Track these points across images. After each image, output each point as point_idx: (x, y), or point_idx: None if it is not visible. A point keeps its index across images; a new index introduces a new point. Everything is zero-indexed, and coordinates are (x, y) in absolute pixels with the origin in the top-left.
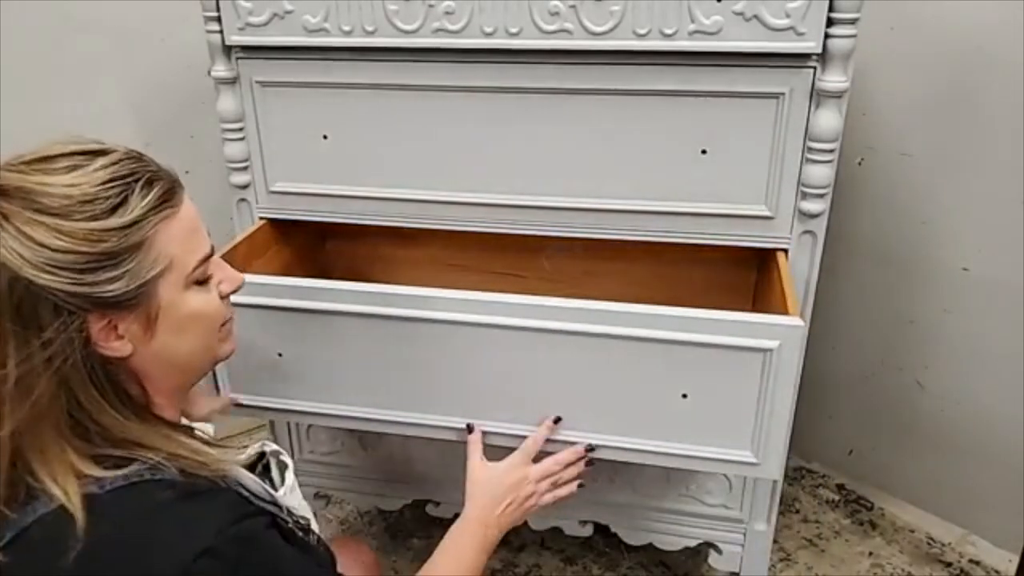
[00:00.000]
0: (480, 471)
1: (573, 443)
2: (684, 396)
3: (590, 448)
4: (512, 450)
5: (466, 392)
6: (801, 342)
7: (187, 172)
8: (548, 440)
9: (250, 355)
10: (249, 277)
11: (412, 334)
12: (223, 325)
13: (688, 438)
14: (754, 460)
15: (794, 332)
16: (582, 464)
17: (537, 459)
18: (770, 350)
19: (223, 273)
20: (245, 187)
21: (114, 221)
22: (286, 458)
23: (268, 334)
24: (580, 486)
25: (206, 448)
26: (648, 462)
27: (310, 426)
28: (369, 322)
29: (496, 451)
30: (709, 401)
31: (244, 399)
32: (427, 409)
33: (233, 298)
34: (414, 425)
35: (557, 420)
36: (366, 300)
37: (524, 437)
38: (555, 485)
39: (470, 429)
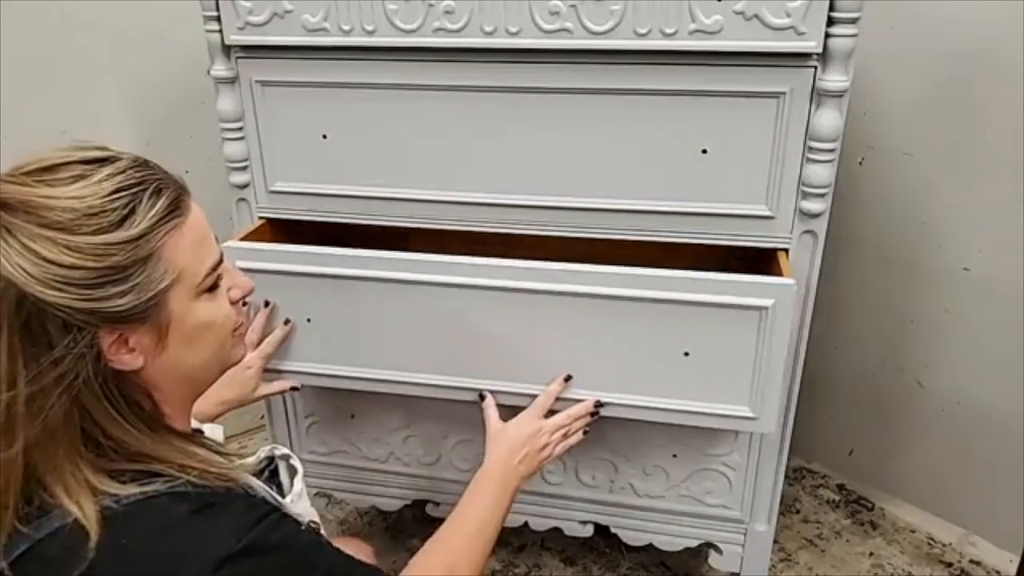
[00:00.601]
0: (499, 426)
1: (582, 400)
2: (686, 354)
3: (599, 404)
4: (525, 408)
5: (484, 353)
6: (793, 300)
7: (187, 172)
8: (559, 398)
9: (279, 321)
10: (279, 246)
11: (434, 299)
12: (234, 331)
13: (690, 395)
14: (751, 415)
15: (787, 290)
16: (589, 416)
17: (548, 416)
18: (765, 308)
19: (232, 279)
20: (244, 187)
21: (121, 234)
22: (296, 462)
23: (297, 300)
24: (584, 432)
25: (217, 457)
26: (652, 419)
27: (310, 426)
28: (394, 288)
29: (513, 411)
30: (709, 358)
31: (274, 364)
32: (449, 371)
33: (265, 265)
34: (438, 387)
35: (568, 378)
36: (392, 267)
37: (536, 396)
38: (565, 436)
39: (482, 397)
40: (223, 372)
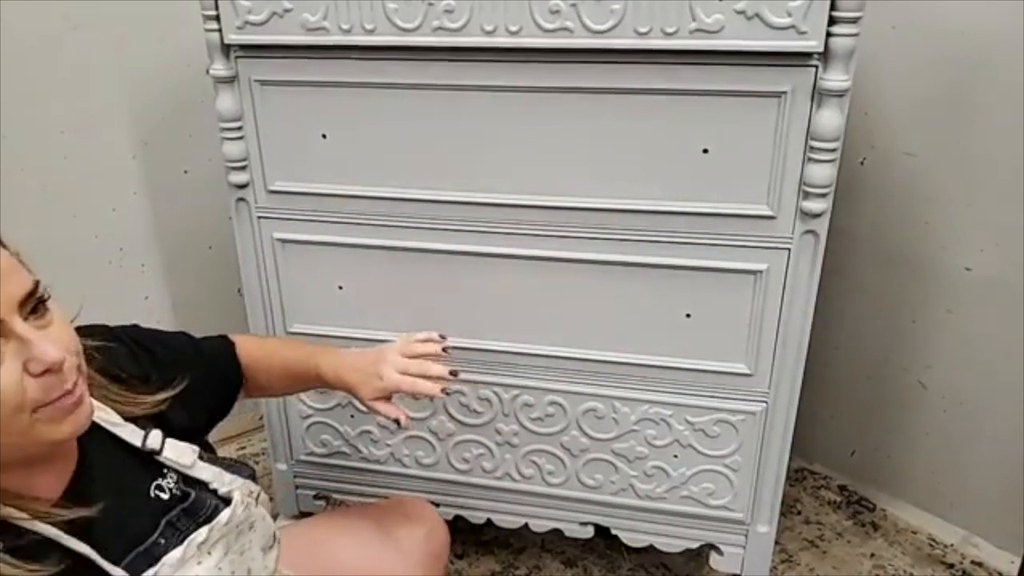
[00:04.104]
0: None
1: (600, 360)
2: (688, 316)
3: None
4: (549, 368)
5: (504, 316)
6: (784, 265)
7: (186, 172)
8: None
9: (310, 288)
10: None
11: (456, 267)
12: (36, 410)
13: (691, 353)
14: (747, 371)
15: (779, 255)
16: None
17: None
18: (760, 271)
19: (30, 351)
20: (244, 186)
21: None
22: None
23: (329, 269)
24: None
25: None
26: (657, 376)
27: (310, 426)
28: (419, 256)
29: (531, 369)
30: (709, 319)
31: (302, 327)
32: (474, 334)
33: (300, 236)
34: (462, 349)
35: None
36: (418, 237)
37: (555, 357)
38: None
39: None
40: (30, 453)
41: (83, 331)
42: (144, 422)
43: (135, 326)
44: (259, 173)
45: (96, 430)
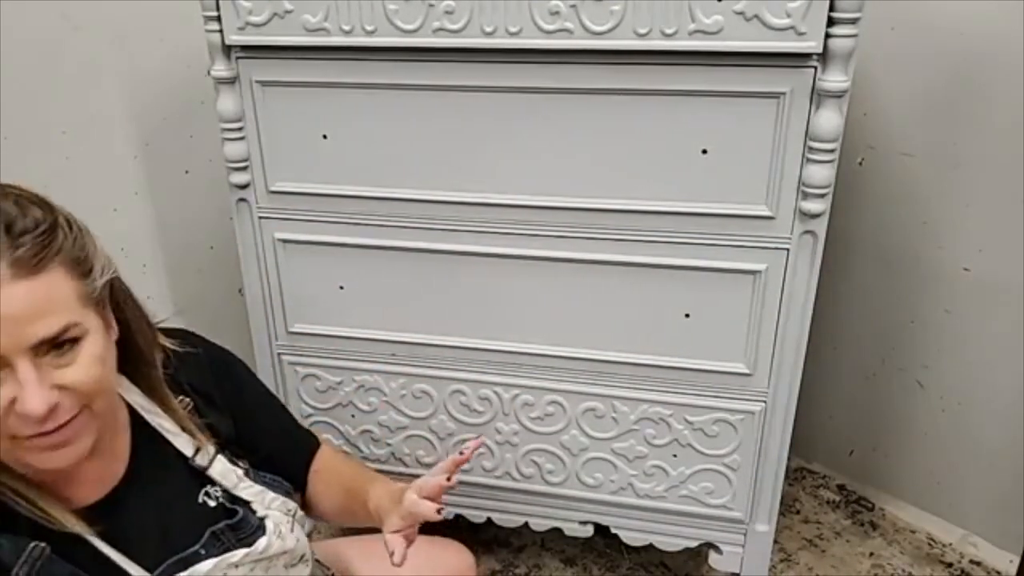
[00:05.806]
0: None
1: (600, 360)
2: (687, 316)
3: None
4: (549, 368)
5: (504, 315)
6: (783, 265)
7: (187, 172)
8: (564, 357)
9: (311, 288)
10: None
11: (457, 267)
12: (15, 437)
13: (691, 352)
14: (746, 371)
15: (778, 255)
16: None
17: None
18: (759, 271)
19: (21, 392)
20: (245, 187)
21: None
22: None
23: (330, 269)
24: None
25: None
26: (656, 375)
27: (311, 425)
28: (421, 257)
29: (531, 369)
30: (708, 319)
31: (303, 327)
32: (474, 334)
33: (300, 236)
34: (462, 349)
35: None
36: (419, 237)
37: (555, 357)
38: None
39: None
40: (16, 469)
41: (169, 332)
42: (200, 434)
43: (231, 353)
44: (260, 174)
45: (154, 436)
